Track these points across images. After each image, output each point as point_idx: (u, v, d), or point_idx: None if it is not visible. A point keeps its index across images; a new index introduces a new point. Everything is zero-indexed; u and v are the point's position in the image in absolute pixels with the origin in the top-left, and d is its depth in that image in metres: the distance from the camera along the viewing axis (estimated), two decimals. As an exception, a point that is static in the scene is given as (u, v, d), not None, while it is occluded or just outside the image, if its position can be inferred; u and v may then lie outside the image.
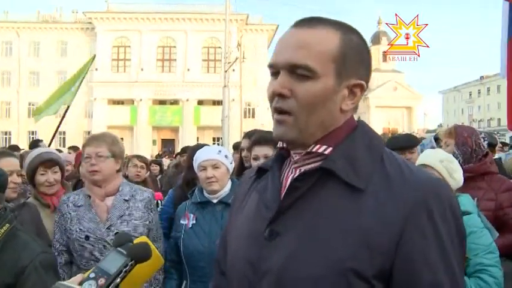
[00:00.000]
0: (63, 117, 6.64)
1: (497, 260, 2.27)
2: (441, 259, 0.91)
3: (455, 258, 0.92)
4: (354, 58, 1.00)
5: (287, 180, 1.06)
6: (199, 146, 3.49)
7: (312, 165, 1.02)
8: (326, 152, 1.01)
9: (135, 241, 1.23)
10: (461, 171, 2.56)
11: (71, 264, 2.57)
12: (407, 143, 3.67)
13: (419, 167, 1.06)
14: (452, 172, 2.49)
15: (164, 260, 2.67)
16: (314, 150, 1.02)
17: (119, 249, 1.12)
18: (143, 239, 1.35)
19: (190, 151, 3.61)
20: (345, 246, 0.91)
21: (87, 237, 2.47)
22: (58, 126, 6.62)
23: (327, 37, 0.99)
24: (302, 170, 1.03)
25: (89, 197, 2.58)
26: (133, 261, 1.10)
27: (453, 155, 2.96)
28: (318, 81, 0.97)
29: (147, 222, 2.62)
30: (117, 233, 2.46)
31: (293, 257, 0.95)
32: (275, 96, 1.00)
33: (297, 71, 0.97)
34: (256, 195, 1.12)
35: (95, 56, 7.35)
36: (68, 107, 6.71)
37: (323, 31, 0.99)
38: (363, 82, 1.02)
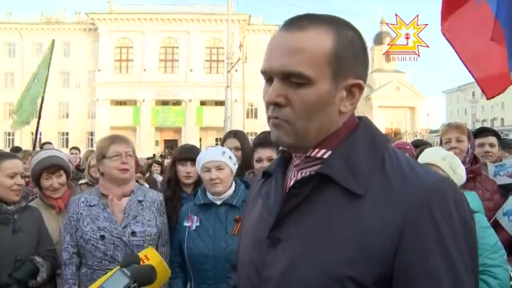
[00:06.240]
0: (40, 113, 6.55)
1: (503, 259, 2.20)
2: (443, 264, 0.84)
3: (462, 262, 0.85)
4: (349, 57, 0.95)
5: (290, 184, 1.04)
6: (185, 146, 3.52)
7: (312, 169, 1.00)
8: (325, 156, 0.98)
9: (144, 251, 1.24)
10: (463, 167, 2.56)
11: (80, 266, 2.57)
12: None
13: (425, 166, 0.99)
14: (456, 168, 2.48)
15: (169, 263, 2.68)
16: (313, 155, 1.00)
17: (124, 269, 1.12)
18: (150, 251, 1.35)
19: (175, 150, 3.61)
20: (343, 253, 0.88)
21: (102, 237, 2.47)
22: (38, 125, 6.55)
23: (319, 39, 0.93)
24: (300, 176, 1.02)
25: (104, 196, 2.60)
26: (136, 284, 1.10)
27: (466, 153, 3.01)
28: (313, 87, 0.93)
29: (159, 225, 2.65)
30: (133, 232, 2.50)
31: (293, 263, 0.94)
32: (270, 105, 0.96)
33: (291, 78, 0.93)
34: (261, 201, 1.12)
35: (53, 40, 7.21)
36: (43, 98, 6.55)
37: (314, 32, 0.93)
38: (360, 82, 0.97)
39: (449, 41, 3.20)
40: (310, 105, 0.93)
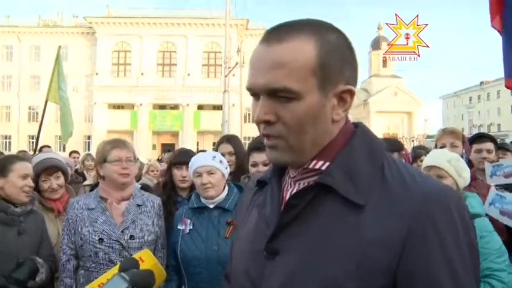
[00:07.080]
0: (43, 117, 6.61)
1: (507, 263, 2.21)
2: (447, 273, 0.82)
3: (465, 271, 0.84)
4: (336, 62, 0.91)
5: (286, 194, 1.01)
6: (181, 150, 3.53)
7: (310, 179, 0.97)
8: (323, 168, 0.95)
9: (139, 253, 1.24)
10: (468, 170, 2.55)
11: (77, 269, 2.57)
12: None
13: (424, 174, 0.96)
14: (461, 171, 2.47)
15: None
16: (311, 166, 0.96)
17: (122, 274, 1.11)
18: (145, 253, 1.35)
19: (171, 155, 3.64)
20: (344, 266, 0.85)
21: (100, 240, 2.48)
22: (40, 128, 6.60)
23: (301, 49, 0.89)
24: (300, 187, 0.98)
25: (103, 199, 2.62)
26: None
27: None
28: (302, 100, 0.89)
29: (157, 229, 2.67)
30: (131, 236, 2.51)
31: (292, 277, 0.91)
32: (261, 123, 0.94)
33: (278, 94, 0.89)
34: (256, 210, 1.08)
35: (60, 47, 7.51)
36: (46, 102, 6.70)
37: (295, 43, 0.89)
38: (351, 87, 0.93)
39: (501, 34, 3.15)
40: (301, 118, 0.90)
